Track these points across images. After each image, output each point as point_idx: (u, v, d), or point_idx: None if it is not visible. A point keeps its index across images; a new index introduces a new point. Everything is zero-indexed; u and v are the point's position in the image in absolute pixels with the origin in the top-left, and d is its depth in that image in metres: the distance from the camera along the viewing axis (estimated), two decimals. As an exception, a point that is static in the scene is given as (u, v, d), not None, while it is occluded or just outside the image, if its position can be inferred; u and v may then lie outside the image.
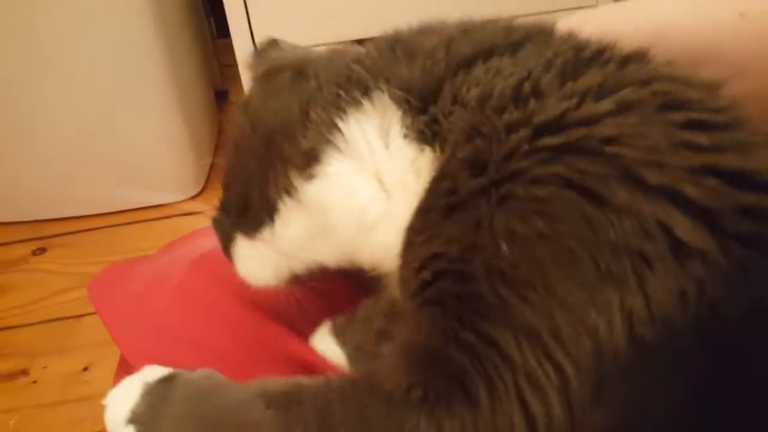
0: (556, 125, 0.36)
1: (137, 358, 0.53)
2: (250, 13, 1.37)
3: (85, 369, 1.30)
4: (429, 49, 0.44)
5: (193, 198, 1.66)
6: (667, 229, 0.33)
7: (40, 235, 1.59)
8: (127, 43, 1.46)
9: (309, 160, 0.45)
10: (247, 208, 0.50)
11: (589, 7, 1.38)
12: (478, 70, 0.42)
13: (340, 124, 0.44)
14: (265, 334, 0.56)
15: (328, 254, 0.50)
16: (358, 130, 0.44)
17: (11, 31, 1.38)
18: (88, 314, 1.39)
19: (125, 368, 0.54)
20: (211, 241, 0.61)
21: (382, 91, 0.43)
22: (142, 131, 1.56)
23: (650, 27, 0.56)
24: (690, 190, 0.34)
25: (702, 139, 0.35)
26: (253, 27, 1.38)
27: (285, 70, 0.50)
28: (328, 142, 0.44)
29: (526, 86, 0.38)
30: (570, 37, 0.44)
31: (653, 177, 0.34)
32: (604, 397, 0.34)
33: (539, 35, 0.44)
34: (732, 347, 0.34)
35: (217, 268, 0.57)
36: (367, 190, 0.45)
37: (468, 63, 0.42)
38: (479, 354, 0.36)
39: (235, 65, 1.66)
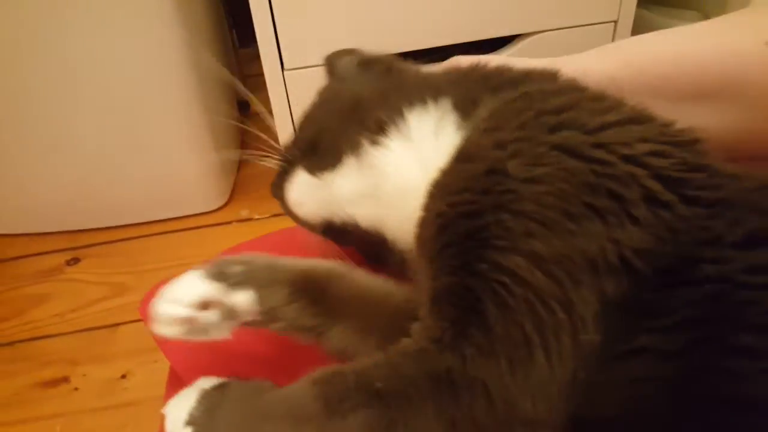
0: (557, 110, 0.48)
1: (192, 374, 0.57)
2: (276, 23, 1.37)
3: (123, 376, 1.36)
4: (474, 79, 0.58)
5: (219, 209, 1.71)
6: (638, 182, 0.43)
7: (74, 245, 1.65)
8: (154, 56, 1.49)
9: (378, 130, 0.55)
10: (315, 149, 0.58)
11: (609, 21, 1.45)
12: (505, 93, 0.53)
13: (407, 114, 0.54)
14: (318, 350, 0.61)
15: (365, 214, 0.57)
16: (418, 122, 0.54)
17: (39, 48, 1.42)
18: (124, 323, 1.46)
19: (175, 383, 0.59)
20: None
21: (446, 98, 0.54)
22: (169, 143, 1.60)
23: (672, 58, 0.62)
24: (654, 161, 0.44)
25: (665, 138, 0.47)
26: (279, 37, 1.39)
27: (380, 63, 0.63)
28: (395, 123, 0.54)
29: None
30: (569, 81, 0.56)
31: (626, 150, 0.44)
32: (603, 320, 0.41)
33: (540, 78, 0.56)
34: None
35: None
36: (413, 168, 0.53)
37: (495, 90, 0.55)
38: (490, 278, 0.42)
39: (257, 75, 1.68)
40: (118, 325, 1.45)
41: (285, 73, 1.44)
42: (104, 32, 1.43)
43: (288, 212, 0.62)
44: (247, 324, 0.55)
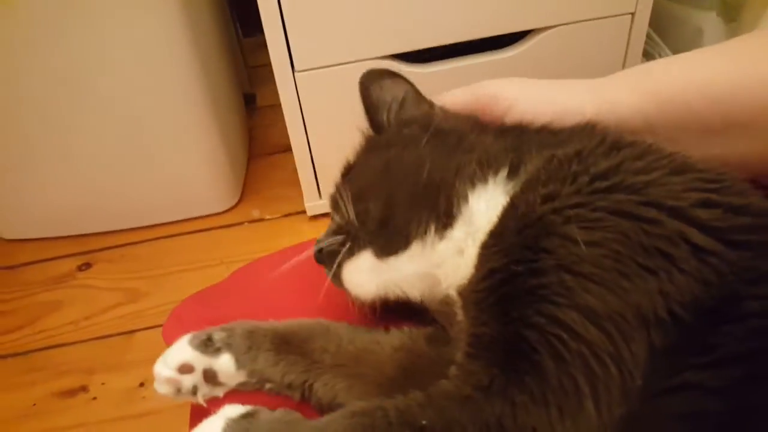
0: (605, 175, 0.50)
1: (215, 400, 0.60)
2: (286, 25, 1.34)
3: (142, 385, 1.35)
4: (514, 145, 0.58)
5: (229, 210, 1.69)
6: (685, 238, 0.46)
7: (85, 250, 1.64)
8: (161, 57, 1.47)
9: (446, 225, 0.56)
10: (384, 230, 0.57)
11: (626, 14, 1.41)
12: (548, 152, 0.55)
13: (471, 199, 0.56)
14: None
15: (418, 289, 0.59)
16: (478, 203, 0.56)
17: (47, 53, 1.40)
18: (140, 330, 1.45)
19: (198, 411, 0.60)
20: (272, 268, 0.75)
21: (503, 169, 0.56)
22: (178, 143, 1.58)
23: (700, 88, 0.62)
24: (700, 213, 0.47)
25: (709, 185, 0.49)
26: (289, 38, 1.36)
27: (451, 133, 0.61)
28: (461, 211, 0.56)
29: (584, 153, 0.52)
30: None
31: (673, 202, 0.47)
32: (650, 363, 0.44)
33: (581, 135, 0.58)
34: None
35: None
36: (468, 243, 0.55)
37: (539, 148, 0.57)
38: (547, 331, 0.45)
39: (262, 65, 1.65)
40: (134, 332, 1.45)
41: (296, 74, 1.42)
42: (110, 35, 1.41)
43: (338, 285, 0.61)
44: (239, 388, 0.61)
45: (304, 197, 1.60)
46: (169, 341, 0.65)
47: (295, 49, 1.38)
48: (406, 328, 0.63)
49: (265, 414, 0.53)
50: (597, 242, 0.46)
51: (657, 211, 0.47)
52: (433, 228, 0.56)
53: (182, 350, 0.59)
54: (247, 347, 0.60)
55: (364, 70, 0.70)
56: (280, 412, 0.54)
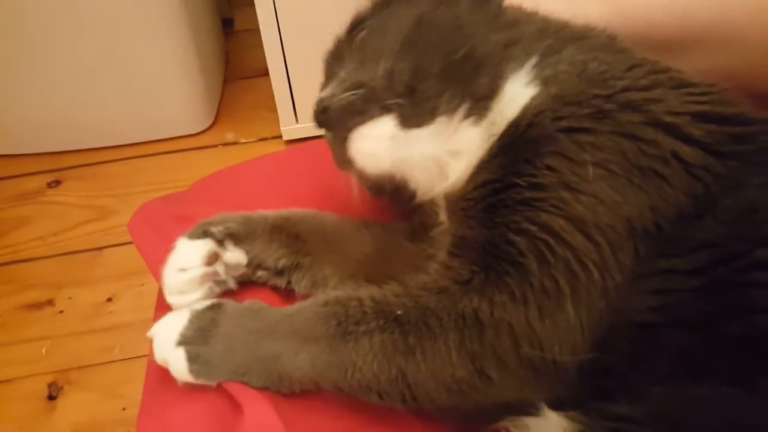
0: (618, 95, 0.50)
1: None
2: None
3: (110, 300, 1.35)
4: (548, 31, 0.57)
5: (204, 132, 1.66)
6: (678, 156, 0.48)
7: (55, 167, 1.61)
8: None
9: (481, 109, 0.53)
10: (412, 96, 0.52)
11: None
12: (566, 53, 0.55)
13: (506, 85, 0.54)
14: None
15: (421, 179, 0.56)
16: (511, 92, 0.54)
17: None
18: (108, 246, 1.43)
19: (164, 307, 0.59)
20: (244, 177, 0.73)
21: (535, 57, 0.54)
22: (152, 60, 1.54)
23: (661, 3, 0.63)
24: (694, 130, 0.49)
25: (702, 98, 0.51)
26: None
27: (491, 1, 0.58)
28: (495, 95, 0.53)
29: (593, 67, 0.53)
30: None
31: (670, 119, 0.49)
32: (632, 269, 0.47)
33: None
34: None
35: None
36: (483, 137, 0.54)
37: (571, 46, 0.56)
38: (535, 237, 0.47)
39: None
40: (102, 248, 1.43)
41: None
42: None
43: (340, 158, 0.55)
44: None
45: (280, 120, 1.57)
46: (135, 236, 0.67)
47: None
48: (386, 223, 0.64)
49: (232, 304, 0.54)
50: (599, 163, 0.47)
51: (654, 130, 0.48)
52: (464, 108, 0.53)
53: (196, 245, 0.57)
54: (245, 233, 0.59)
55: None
56: (248, 302, 0.55)
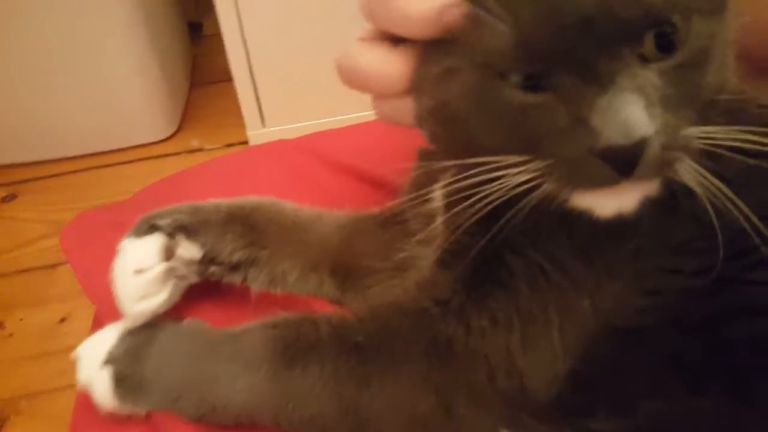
0: None
1: (114, 312, 0.53)
2: None
3: (63, 320, 1.28)
4: None
5: (167, 139, 1.61)
6: None
7: (10, 181, 1.54)
8: None
9: None
10: None
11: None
12: None
13: None
14: None
15: None
16: None
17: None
18: (64, 263, 1.35)
19: (100, 325, 0.54)
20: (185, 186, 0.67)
21: None
22: (111, 67, 1.50)
23: None
24: None
25: None
26: None
27: None
28: None
29: None
30: None
31: None
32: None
33: None
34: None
35: None
36: None
37: None
38: (533, 261, 0.43)
39: None
40: (57, 265, 1.36)
41: None
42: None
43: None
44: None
45: (246, 125, 1.51)
46: (67, 249, 0.63)
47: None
48: (350, 210, 0.59)
49: (171, 323, 0.51)
50: None
51: None
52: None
53: (147, 243, 0.52)
54: (196, 224, 0.54)
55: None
56: (188, 321, 0.52)
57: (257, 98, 1.47)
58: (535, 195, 0.39)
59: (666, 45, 0.37)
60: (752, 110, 0.45)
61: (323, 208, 0.60)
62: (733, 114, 0.42)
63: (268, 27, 1.38)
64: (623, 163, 0.36)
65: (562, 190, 0.39)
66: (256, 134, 1.52)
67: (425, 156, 0.51)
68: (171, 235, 0.53)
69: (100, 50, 1.47)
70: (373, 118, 0.48)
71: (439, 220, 0.48)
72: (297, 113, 1.44)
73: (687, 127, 0.38)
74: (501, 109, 0.39)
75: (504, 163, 0.39)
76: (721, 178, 0.40)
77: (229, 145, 1.57)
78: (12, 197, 1.51)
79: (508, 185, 0.39)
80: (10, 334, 1.27)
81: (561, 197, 0.40)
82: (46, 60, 1.45)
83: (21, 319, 1.29)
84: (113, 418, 0.48)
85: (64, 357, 1.23)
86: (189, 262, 0.54)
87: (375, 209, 0.59)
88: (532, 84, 0.38)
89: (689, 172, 0.38)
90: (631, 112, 0.35)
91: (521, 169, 0.39)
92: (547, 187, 0.39)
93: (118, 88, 1.52)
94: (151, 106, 1.57)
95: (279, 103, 1.48)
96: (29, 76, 1.47)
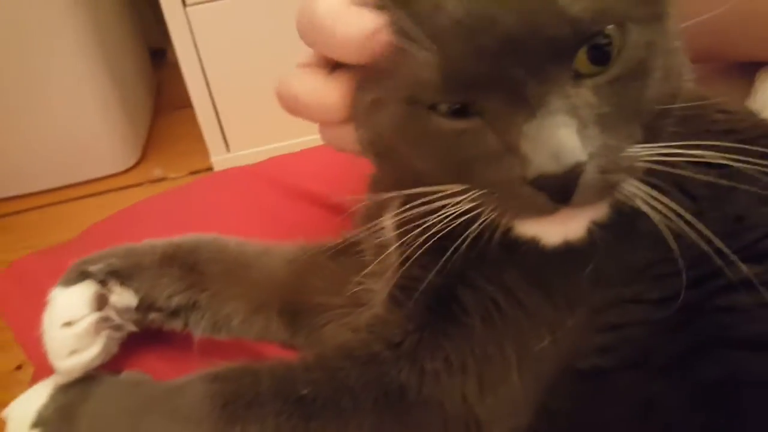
0: None
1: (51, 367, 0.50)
2: None
3: (19, 367, 1.24)
4: None
5: (129, 170, 1.58)
6: None
7: (-36, 221, 1.50)
8: (42, 8, 1.37)
9: None
10: None
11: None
12: None
13: None
14: None
15: None
16: None
17: None
18: (20, 306, 1.30)
19: (37, 381, 0.51)
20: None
21: None
22: (68, 99, 1.47)
23: None
24: None
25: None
26: None
27: None
28: None
29: None
30: None
31: None
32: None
33: None
34: None
35: None
36: None
37: None
38: (487, 294, 0.40)
39: None
40: (13, 309, 1.30)
41: (187, 9, 1.33)
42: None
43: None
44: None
45: (210, 151, 1.48)
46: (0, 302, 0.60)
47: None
48: (302, 243, 0.57)
49: (107, 377, 0.49)
50: None
51: None
52: None
53: (76, 292, 0.49)
54: (131, 268, 0.52)
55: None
56: (126, 374, 0.49)
57: (219, 123, 1.45)
58: (476, 225, 0.37)
59: (601, 57, 0.35)
60: (713, 116, 0.44)
61: (274, 240, 0.58)
62: (690, 122, 0.41)
63: (225, 52, 1.38)
64: (557, 191, 0.34)
65: (502, 218, 0.37)
66: (221, 159, 1.49)
67: (375, 183, 0.50)
68: (103, 282, 0.51)
69: (55, 82, 1.45)
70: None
71: (392, 250, 0.46)
72: (261, 136, 1.41)
73: (630, 146, 0.36)
74: (432, 138, 0.38)
75: (444, 194, 0.37)
76: (685, 195, 0.39)
77: (193, 173, 1.53)
78: (-34, 238, 1.47)
79: (450, 215, 0.37)
80: (-37, 384, 1.22)
81: (505, 226, 0.38)
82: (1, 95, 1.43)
83: (-25, 367, 1.24)
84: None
85: (21, 406, 1.18)
86: (124, 311, 0.51)
87: (328, 240, 0.56)
88: (461, 108, 0.36)
89: (638, 194, 0.36)
90: (562, 137, 0.33)
91: (460, 198, 0.37)
92: (487, 217, 0.37)
93: (76, 120, 1.49)
94: (112, 137, 1.54)
95: (242, 127, 1.46)
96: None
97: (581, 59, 0.35)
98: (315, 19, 0.38)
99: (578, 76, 0.35)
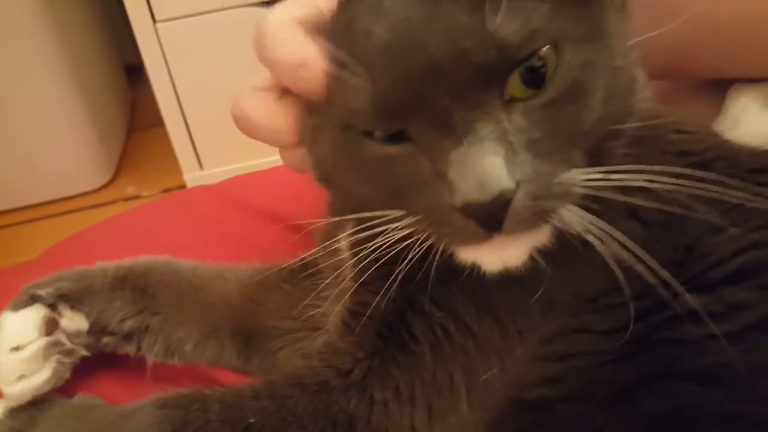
0: None
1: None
2: None
3: None
4: None
5: (102, 188, 1.58)
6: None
7: (-66, 240, 1.49)
8: (9, 20, 1.38)
9: None
10: None
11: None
12: None
13: None
14: None
15: None
16: None
17: None
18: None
19: None
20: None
21: None
22: (38, 117, 1.48)
23: None
24: None
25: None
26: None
27: None
28: None
29: None
30: None
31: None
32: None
33: None
34: None
35: None
36: None
37: None
38: (436, 321, 0.41)
39: None
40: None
41: (157, 25, 1.35)
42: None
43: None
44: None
45: (182, 169, 1.49)
46: None
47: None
48: (258, 264, 0.57)
49: (59, 401, 0.49)
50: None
51: None
52: None
53: (24, 317, 0.50)
54: (81, 292, 0.52)
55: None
56: (78, 398, 0.50)
57: (192, 141, 1.46)
58: (417, 250, 0.37)
59: (536, 80, 0.35)
60: (668, 137, 0.43)
61: (234, 257, 0.58)
62: (644, 143, 0.40)
63: (197, 68, 1.39)
64: (486, 218, 0.34)
65: (440, 244, 0.37)
66: (194, 177, 1.49)
67: (331, 205, 0.50)
68: (53, 306, 0.51)
69: (26, 99, 1.45)
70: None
71: (347, 273, 0.46)
72: (234, 154, 1.41)
73: (565, 171, 0.35)
74: (367, 163, 0.38)
75: (385, 219, 0.38)
76: (636, 220, 0.39)
77: (166, 190, 1.53)
78: (-64, 257, 1.46)
79: (391, 240, 0.37)
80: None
81: (445, 251, 0.38)
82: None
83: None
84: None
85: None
86: (75, 334, 0.51)
87: (285, 260, 0.56)
88: (395, 134, 0.36)
89: (577, 221, 0.35)
90: (488, 165, 0.33)
91: (399, 224, 0.37)
92: (425, 242, 0.37)
93: (48, 138, 1.50)
94: (85, 154, 1.55)
95: (215, 145, 1.46)
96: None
97: (514, 83, 0.34)
98: (262, 40, 0.38)
99: (512, 101, 0.35)
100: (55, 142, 1.51)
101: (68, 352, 0.51)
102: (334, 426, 0.41)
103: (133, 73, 1.83)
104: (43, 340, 0.49)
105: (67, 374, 0.51)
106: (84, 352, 0.52)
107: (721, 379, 0.36)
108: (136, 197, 1.53)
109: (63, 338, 0.51)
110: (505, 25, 0.33)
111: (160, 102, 1.40)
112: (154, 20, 1.33)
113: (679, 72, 0.59)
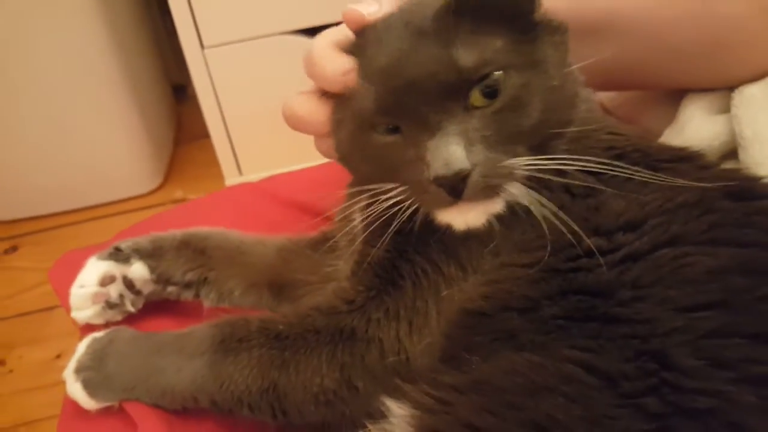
0: None
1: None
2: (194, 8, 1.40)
3: (58, 356, 1.37)
4: None
5: (153, 192, 1.72)
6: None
7: (12, 235, 1.66)
8: (78, 43, 1.50)
9: None
10: None
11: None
12: None
13: None
14: None
15: None
16: None
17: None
18: (59, 306, 1.45)
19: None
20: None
21: None
22: (99, 129, 1.61)
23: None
24: None
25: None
26: (195, 12, 1.40)
27: None
28: None
29: None
30: None
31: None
32: None
33: None
34: None
35: None
36: None
37: None
38: (417, 264, 0.51)
39: None
40: (53, 308, 1.47)
41: (205, 51, 1.46)
42: (24, 16, 1.44)
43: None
44: (148, 296, 0.63)
45: (224, 174, 1.63)
46: (54, 282, 0.71)
47: (203, 23, 1.42)
48: (289, 235, 0.68)
49: (128, 329, 0.58)
50: None
51: None
52: None
53: (96, 266, 0.61)
54: (152, 250, 0.63)
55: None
56: (145, 332, 0.58)
57: (233, 151, 1.59)
58: (402, 214, 0.48)
59: (492, 94, 0.47)
60: (600, 137, 0.53)
61: (266, 234, 0.69)
62: (580, 142, 0.51)
63: (239, 88, 1.50)
64: (451, 188, 0.45)
65: (421, 209, 0.49)
66: (234, 182, 1.62)
67: (350, 184, 0.59)
68: (127, 258, 0.61)
69: (89, 114, 1.58)
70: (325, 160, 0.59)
71: (357, 237, 0.56)
72: (269, 162, 1.53)
73: (509, 159, 0.46)
74: (371, 148, 0.50)
75: (380, 190, 0.49)
76: (567, 194, 0.49)
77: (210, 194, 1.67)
78: (13, 249, 1.63)
79: (384, 206, 0.49)
80: (11, 371, 1.37)
81: (424, 214, 0.49)
82: (40, 125, 1.56)
83: (20, 357, 1.39)
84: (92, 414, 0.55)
85: (60, 388, 1.34)
86: (141, 281, 0.62)
87: (311, 234, 0.68)
88: (392, 128, 0.49)
89: (520, 193, 0.47)
90: (452, 151, 0.45)
91: (390, 194, 0.48)
92: (410, 206, 0.48)
93: (106, 148, 1.63)
94: (138, 162, 1.68)
95: (253, 154, 1.59)
96: (27, 140, 1.58)
97: (476, 95, 0.46)
98: (312, 59, 0.51)
99: (472, 108, 0.46)
100: (112, 151, 1.64)
101: (113, 305, 0.61)
102: (341, 334, 0.51)
103: (178, 91, 1.98)
104: (93, 289, 0.59)
105: (118, 317, 0.61)
106: (131, 308, 0.61)
107: (603, 292, 0.45)
108: (184, 200, 1.68)
109: (113, 292, 0.60)
110: (464, 55, 0.45)
111: (206, 118, 1.53)
112: (202, 46, 1.44)
113: (640, 84, 0.66)
